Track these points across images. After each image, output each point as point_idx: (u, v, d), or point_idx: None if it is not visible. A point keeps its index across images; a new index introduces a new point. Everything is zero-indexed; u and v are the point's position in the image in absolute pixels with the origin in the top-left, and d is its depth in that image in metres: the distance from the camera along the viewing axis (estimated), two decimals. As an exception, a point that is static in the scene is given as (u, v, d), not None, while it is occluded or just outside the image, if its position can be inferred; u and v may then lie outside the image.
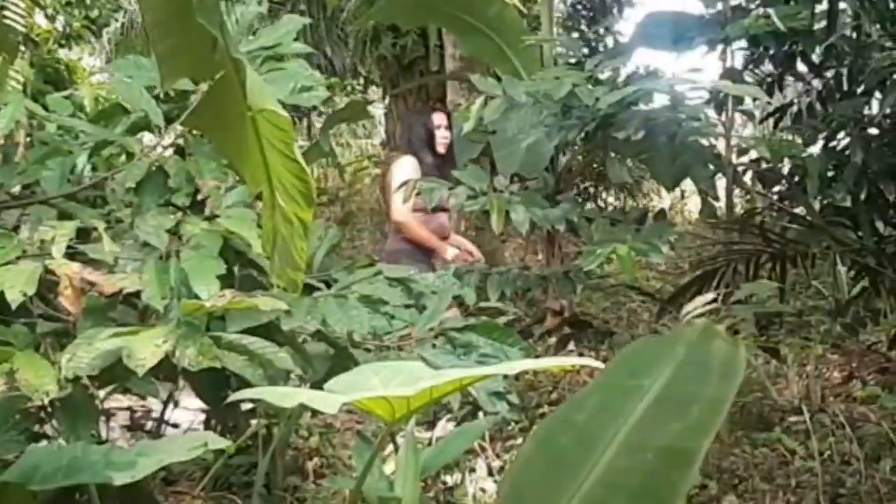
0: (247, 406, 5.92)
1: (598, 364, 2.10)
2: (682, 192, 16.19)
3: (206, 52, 2.11)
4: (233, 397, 2.69)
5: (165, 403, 5.90)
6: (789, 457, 6.23)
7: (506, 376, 4.34)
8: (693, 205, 17.02)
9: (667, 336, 1.16)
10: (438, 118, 8.18)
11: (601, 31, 14.14)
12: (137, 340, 3.53)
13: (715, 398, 1.10)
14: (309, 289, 4.46)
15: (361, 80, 18.53)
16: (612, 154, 9.07)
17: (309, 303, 4.16)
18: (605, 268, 6.74)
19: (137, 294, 3.99)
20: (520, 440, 6.43)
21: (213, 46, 2.07)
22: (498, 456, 6.39)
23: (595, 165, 11.77)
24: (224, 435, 6.14)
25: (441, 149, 8.19)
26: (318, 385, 4.43)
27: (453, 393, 2.74)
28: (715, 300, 6.19)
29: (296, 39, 4.93)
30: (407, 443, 4.43)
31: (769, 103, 7.59)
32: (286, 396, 2.58)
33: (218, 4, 2.05)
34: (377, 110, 18.44)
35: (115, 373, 3.58)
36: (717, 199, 8.20)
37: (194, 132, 4.78)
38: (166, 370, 4.09)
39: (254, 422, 5.88)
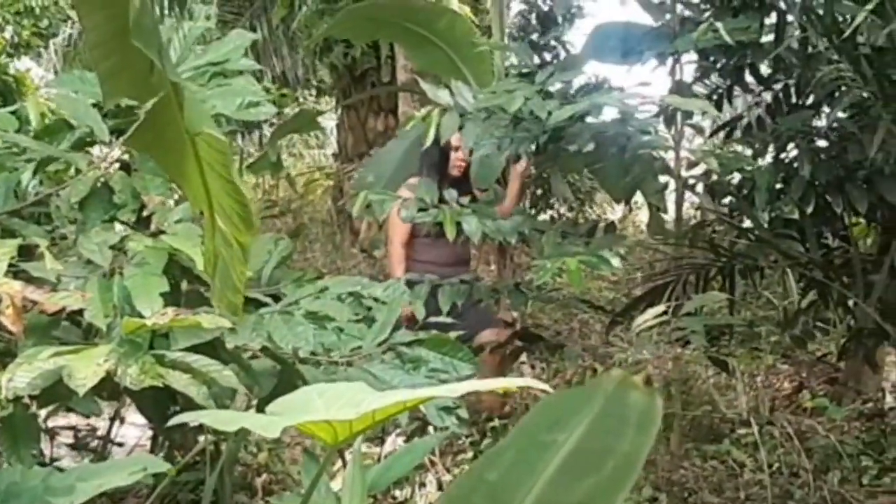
0: (195, 422, 5.88)
1: (543, 385, 2.09)
2: (634, 203, 16.24)
3: (147, 73, 2.08)
4: (174, 420, 2.65)
5: (111, 421, 5.84)
6: (738, 469, 6.25)
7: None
8: (644, 215, 17.08)
9: (584, 387, 1.14)
10: (455, 139, 7.55)
11: (552, 41, 14.14)
12: (78, 360, 3.49)
13: (631, 452, 1.08)
14: (257, 304, 4.42)
15: (313, 91, 18.50)
16: (563, 166, 9.09)
17: (255, 319, 4.13)
18: (557, 279, 6.73)
19: (82, 312, 3.95)
20: (470, 454, 6.42)
21: (151, 69, 2.04)
22: (448, 470, 6.37)
23: (546, 176, 11.78)
24: (171, 451, 6.10)
25: (456, 171, 7.82)
26: (264, 401, 4.39)
27: (397, 414, 2.71)
28: (665, 312, 6.19)
29: (245, 54, 4.90)
30: (354, 459, 4.41)
31: (719, 116, 7.63)
32: (228, 420, 2.54)
33: (156, 27, 2.02)
34: (329, 122, 18.39)
35: (56, 392, 3.53)
36: (665, 211, 8.24)
37: (140, 148, 4.74)
38: (110, 389, 4.05)
39: (201, 438, 5.83)
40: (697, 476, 6.28)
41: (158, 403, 4.07)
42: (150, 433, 6.28)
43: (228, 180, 2.18)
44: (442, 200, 6.83)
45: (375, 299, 4.59)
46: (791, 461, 6.35)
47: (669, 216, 8.42)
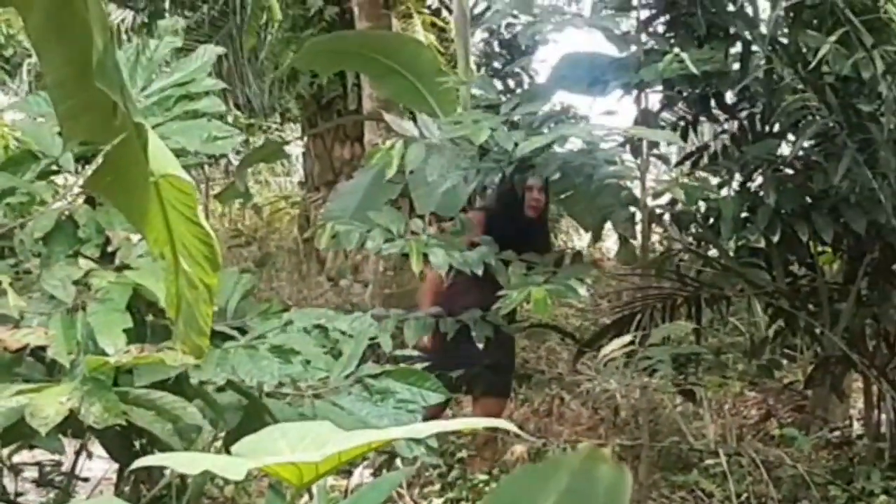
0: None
1: (510, 426, 2.07)
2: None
3: (108, 114, 2.05)
4: (137, 463, 2.61)
5: (76, 456, 5.77)
6: (707, 499, 6.23)
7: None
8: (611, 242, 17.12)
9: (549, 463, 1.11)
10: (534, 179, 7.13)
11: (517, 70, 14.20)
12: (41, 398, 3.44)
13: None
14: (222, 336, 4.38)
15: (279, 119, 18.47)
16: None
17: (219, 354, 4.08)
18: (523, 307, 6.71)
19: (45, 348, 3.90)
20: (437, 486, 6.38)
21: (114, 111, 2.01)
22: (415, 503, 6.34)
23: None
24: (137, 485, 6.04)
25: (531, 212, 7.34)
26: (230, 436, 4.36)
27: (364, 454, 2.69)
28: (632, 342, 6.19)
29: (209, 75, 4.85)
30: (319, 495, 4.37)
31: (685, 146, 7.65)
32: (191, 463, 2.50)
33: (118, 67, 2.00)
34: (296, 149, 18.36)
35: (19, 430, 3.48)
36: (634, 237, 8.25)
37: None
38: (74, 426, 4.00)
39: (167, 472, 5.78)
40: (666, 506, 6.28)
41: (123, 440, 4.03)
42: (115, 466, 6.22)
43: (194, 221, 2.15)
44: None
45: (342, 332, 4.56)
46: (759, 491, 6.34)
47: (636, 243, 8.45)
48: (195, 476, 5.49)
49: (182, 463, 2.56)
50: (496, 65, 15.45)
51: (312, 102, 15.28)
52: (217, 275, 2.33)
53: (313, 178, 15.62)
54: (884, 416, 7.07)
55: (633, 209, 6.93)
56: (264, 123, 17.45)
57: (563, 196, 7.59)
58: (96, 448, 5.93)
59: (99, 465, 6.18)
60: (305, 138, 15.98)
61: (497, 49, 15.55)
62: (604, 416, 7.89)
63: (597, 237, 8.23)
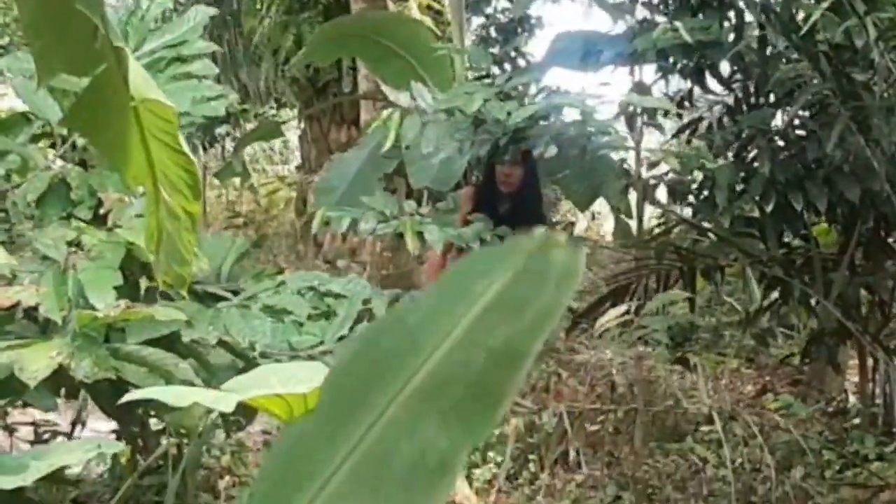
0: (158, 426, 5.83)
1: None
2: (594, 214, 16.26)
3: (84, 47, 2.05)
4: (126, 398, 2.63)
5: (73, 425, 5.80)
6: (702, 465, 6.23)
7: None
8: (608, 226, 17.11)
9: (506, 245, 1.13)
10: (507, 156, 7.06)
11: (512, 52, 14.18)
12: (30, 353, 3.46)
13: (549, 303, 1.08)
14: (216, 299, 4.40)
15: (274, 104, 18.45)
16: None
17: (211, 313, 4.10)
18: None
19: (38, 308, 3.92)
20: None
21: (94, 36, 2.01)
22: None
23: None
24: (134, 455, 6.05)
25: (504, 188, 7.25)
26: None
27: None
28: (628, 312, 6.20)
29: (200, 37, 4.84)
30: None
31: (679, 116, 7.65)
32: (180, 395, 2.52)
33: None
34: (292, 136, 18.34)
35: (10, 386, 3.50)
36: (630, 216, 8.25)
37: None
38: (67, 384, 4.01)
39: (164, 441, 5.78)
40: (661, 473, 6.26)
41: (116, 398, 4.03)
42: (112, 438, 6.24)
43: (175, 149, 2.16)
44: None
45: (336, 295, 4.57)
46: (754, 458, 6.34)
47: (632, 222, 8.45)
48: (191, 445, 5.52)
49: (171, 395, 2.57)
50: (493, 51, 15.46)
51: (308, 86, 15.24)
52: (199, 202, 2.34)
53: (310, 161, 15.59)
54: (878, 389, 7.07)
55: (626, 180, 6.94)
56: (260, 109, 17.40)
57: (559, 176, 7.59)
58: (92, 422, 5.98)
59: (102, 425, 6.22)
60: (302, 122, 15.96)
61: (493, 34, 15.54)
62: (601, 392, 7.88)
63: (584, 207, 8.24)
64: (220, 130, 16.56)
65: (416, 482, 1.06)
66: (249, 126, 16.53)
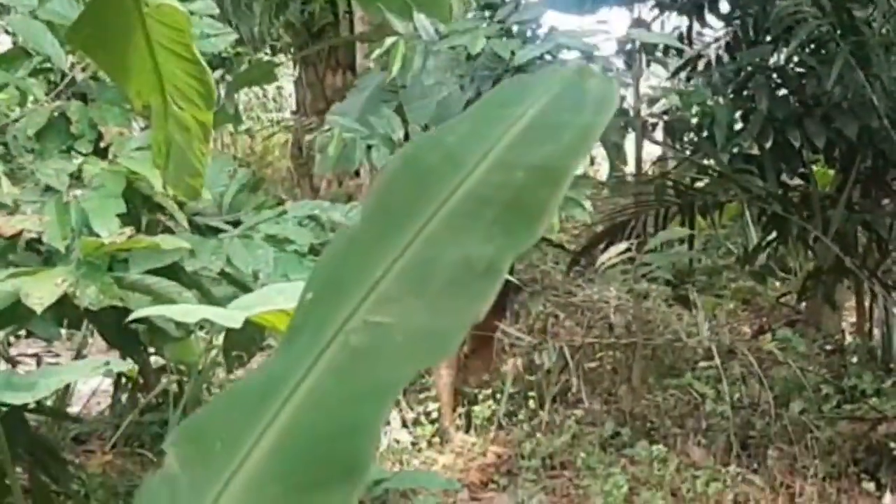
0: (158, 363, 5.85)
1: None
2: (592, 159, 16.23)
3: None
4: (134, 315, 2.63)
5: (75, 359, 5.85)
6: (700, 400, 6.26)
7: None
8: (604, 172, 17.07)
9: (539, 74, 1.14)
10: None
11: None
12: (35, 280, 3.46)
13: (587, 125, 1.09)
14: (217, 231, 4.40)
15: (269, 50, 18.35)
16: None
17: (214, 244, 4.10)
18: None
19: (41, 239, 3.93)
20: (432, 392, 6.42)
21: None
22: (411, 408, 6.37)
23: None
24: (135, 392, 6.08)
25: None
26: (229, 337, 4.37)
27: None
28: (629, 249, 6.21)
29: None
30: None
31: (679, 53, 7.61)
32: (188, 312, 2.53)
33: None
34: (287, 83, 18.24)
35: (14, 313, 3.50)
36: (625, 163, 8.23)
37: (99, 77, 4.69)
38: (70, 315, 4.02)
39: (164, 379, 5.81)
40: (659, 409, 6.30)
41: (119, 327, 4.04)
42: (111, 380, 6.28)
43: (187, 58, 2.15)
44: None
45: (338, 225, 4.56)
46: (752, 393, 6.38)
47: (629, 168, 8.44)
48: (191, 381, 5.54)
49: (177, 312, 2.58)
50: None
51: (303, 31, 15.13)
52: (211, 112, 2.33)
53: (305, 106, 15.50)
54: (875, 325, 7.11)
55: (625, 119, 6.91)
56: (254, 55, 17.30)
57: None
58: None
59: (94, 379, 6.23)
60: (297, 67, 15.87)
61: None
62: (599, 333, 7.89)
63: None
64: (215, 76, 16.50)
65: (462, 285, 1.06)
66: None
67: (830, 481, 5.53)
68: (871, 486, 5.45)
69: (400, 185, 1.15)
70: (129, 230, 3.65)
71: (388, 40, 6.48)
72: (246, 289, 4.15)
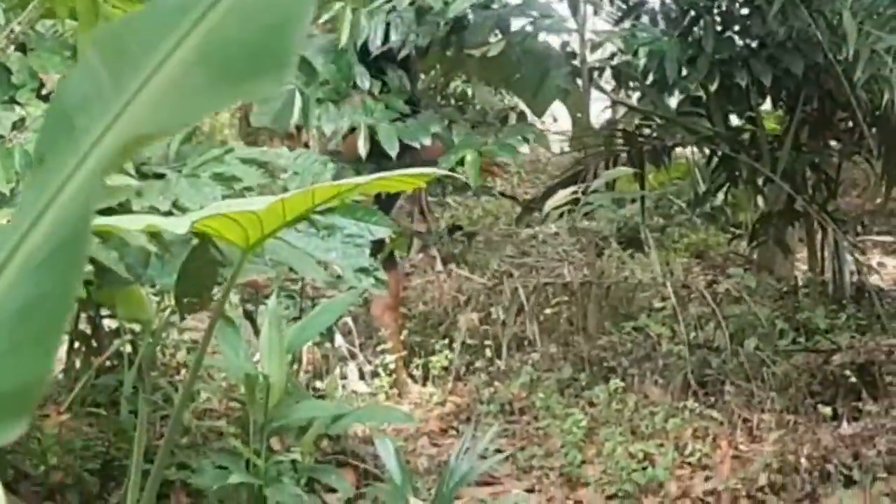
0: (112, 325, 5.80)
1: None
2: (554, 117, 16.24)
3: None
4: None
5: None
6: (657, 340, 6.28)
7: (374, 254, 4.29)
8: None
9: None
10: None
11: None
12: (-20, 220, 3.41)
13: None
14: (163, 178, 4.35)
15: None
16: (480, 76, 9.03)
17: (161, 184, 4.06)
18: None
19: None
20: (390, 344, 6.40)
21: None
22: (369, 361, 6.36)
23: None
24: (89, 357, 6.02)
25: None
26: (181, 280, 4.32)
27: (307, 213, 2.68)
28: (575, 192, 6.21)
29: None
30: (270, 319, 4.37)
31: (621, 8, 7.60)
32: (134, 220, 2.50)
33: None
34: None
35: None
36: (579, 110, 8.23)
37: (36, 28, 4.64)
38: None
39: (116, 342, 5.75)
40: (616, 351, 6.32)
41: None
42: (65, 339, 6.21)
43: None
44: None
45: (284, 170, 4.54)
46: (707, 336, 6.41)
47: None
48: (145, 340, 5.50)
49: (125, 222, 2.55)
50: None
51: None
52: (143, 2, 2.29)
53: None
54: (827, 262, 7.17)
55: (571, 65, 6.92)
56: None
57: (513, 79, 7.52)
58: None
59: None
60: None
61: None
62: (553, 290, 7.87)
63: (541, 112, 8.22)
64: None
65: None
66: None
67: (788, 413, 5.56)
68: (827, 410, 5.48)
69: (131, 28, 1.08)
70: (74, 167, 3.61)
71: (336, 5, 6.39)
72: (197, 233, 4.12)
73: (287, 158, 4.53)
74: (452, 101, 10.50)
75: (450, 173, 5.43)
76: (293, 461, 4.34)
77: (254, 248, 2.52)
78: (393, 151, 6.06)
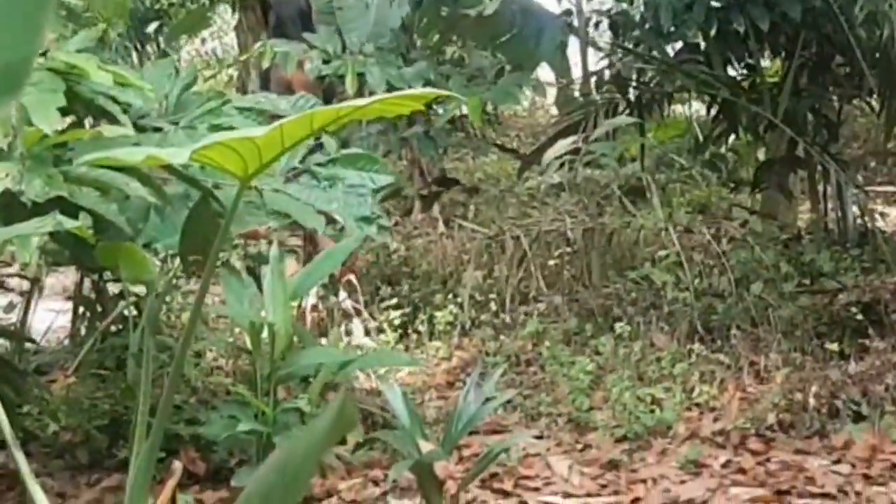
0: (115, 290, 5.80)
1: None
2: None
3: None
4: (81, 160, 2.57)
5: (30, 294, 5.82)
6: (662, 288, 6.25)
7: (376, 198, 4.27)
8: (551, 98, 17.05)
9: None
10: None
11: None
12: (-24, 174, 3.40)
13: None
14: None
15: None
16: (471, 38, 9.00)
17: (158, 137, 4.04)
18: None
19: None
20: (394, 300, 6.39)
21: None
22: (374, 318, 6.35)
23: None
24: (93, 322, 6.03)
25: None
26: (185, 237, 4.31)
27: (306, 139, 2.66)
28: (575, 141, 6.19)
29: None
30: (273, 268, 4.37)
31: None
32: (132, 153, 2.48)
33: None
34: (231, 39, 18.08)
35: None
36: (568, 78, 8.20)
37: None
38: (17, 218, 3.95)
39: (120, 304, 5.75)
40: (621, 299, 6.30)
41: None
42: (69, 305, 6.23)
43: None
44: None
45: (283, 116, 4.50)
46: (712, 280, 6.38)
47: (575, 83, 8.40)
48: (149, 302, 5.48)
49: (124, 154, 2.53)
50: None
51: (238, -25, 14.99)
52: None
53: (247, 50, 15.39)
54: (830, 204, 7.15)
55: (568, 18, 6.90)
56: (192, 4, 17.10)
57: (502, 40, 7.50)
58: (45, 302, 5.94)
59: (55, 305, 6.20)
60: (237, 12, 15.71)
61: None
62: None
63: (534, 66, 8.18)
64: (150, 29, 16.27)
65: None
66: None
67: (795, 353, 5.55)
68: (835, 347, 5.45)
69: None
70: (70, 119, 3.59)
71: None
72: (193, 182, 4.09)
73: (288, 103, 4.50)
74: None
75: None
76: (300, 410, 4.34)
77: (252, 177, 2.49)
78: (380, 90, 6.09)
